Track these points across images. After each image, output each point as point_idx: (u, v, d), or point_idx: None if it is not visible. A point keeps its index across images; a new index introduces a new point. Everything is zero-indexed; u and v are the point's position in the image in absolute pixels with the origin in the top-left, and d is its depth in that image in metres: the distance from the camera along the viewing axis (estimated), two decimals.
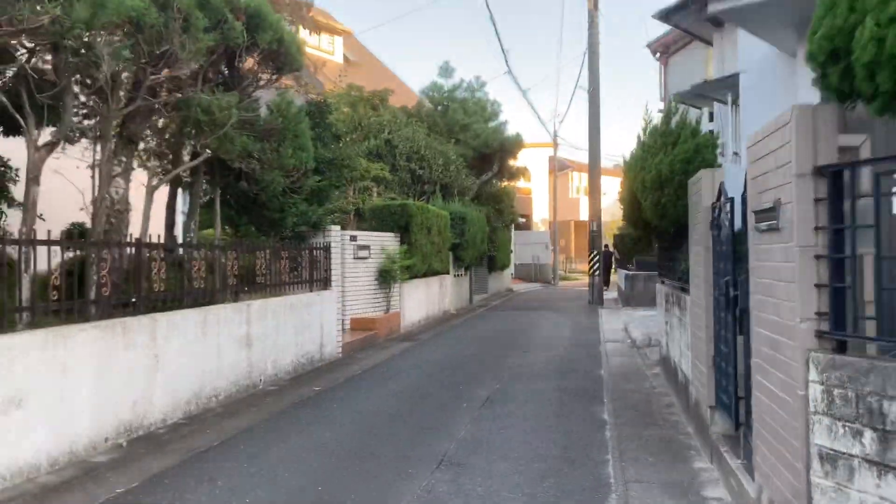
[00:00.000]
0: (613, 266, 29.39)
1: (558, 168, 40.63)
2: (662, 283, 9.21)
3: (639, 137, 7.50)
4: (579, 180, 49.90)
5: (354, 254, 12.97)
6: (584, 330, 14.65)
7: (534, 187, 43.59)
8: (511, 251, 30.14)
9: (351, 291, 12.90)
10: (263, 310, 8.54)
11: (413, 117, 21.96)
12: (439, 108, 24.57)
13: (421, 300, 15.96)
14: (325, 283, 10.71)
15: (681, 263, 6.50)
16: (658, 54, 20.81)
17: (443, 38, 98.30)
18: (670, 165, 6.19)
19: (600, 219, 21.99)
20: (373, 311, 13.56)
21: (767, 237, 3.40)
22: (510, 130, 25.88)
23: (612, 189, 36.53)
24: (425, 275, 16.13)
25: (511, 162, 26.26)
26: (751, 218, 3.73)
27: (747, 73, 7.84)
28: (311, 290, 10.21)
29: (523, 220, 39.18)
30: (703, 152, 6.16)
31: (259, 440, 6.12)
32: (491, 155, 24.60)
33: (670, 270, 7.82)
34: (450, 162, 20.79)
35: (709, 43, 10.41)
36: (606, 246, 26.18)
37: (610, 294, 23.92)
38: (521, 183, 40.32)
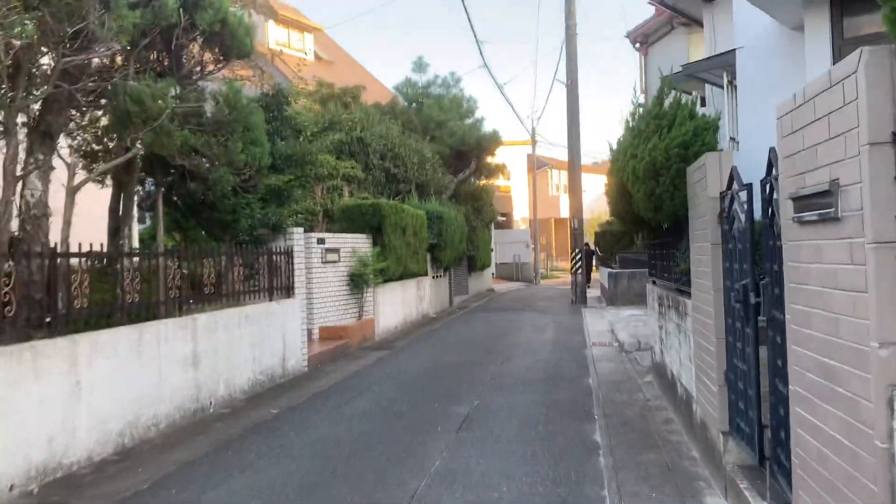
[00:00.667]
0: (595, 263, 28.74)
1: (537, 166, 39.95)
2: (654, 283, 8.45)
3: (627, 123, 6.73)
4: (559, 178, 49.29)
5: (322, 258, 12.09)
6: (569, 331, 13.88)
7: (513, 185, 42.90)
8: (491, 250, 29.36)
9: (319, 298, 12.02)
10: (212, 323, 7.63)
11: (387, 114, 21.10)
12: (414, 105, 23.71)
13: (397, 305, 15.10)
14: (288, 291, 9.82)
15: (678, 262, 5.72)
16: (638, 44, 20.15)
17: (417, 32, 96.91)
18: (665, 151, 5.40)
19: (582, 215, 21.28)
20: (344, 318, 12.68)
21: (813, 231, 2.61)
22: (487, 127, 25.11)
23: (591, 187, 35.89)
24: (401, 277, 15.28)
25: (489, 159, 25.47)
26: (784, 207, 2.94)
27: (745, 50, 7.09)
28: (270, 300, 9.32)
29: (503, 218, 38.45)
30: (702, 135, 5.38)
31: (196, 480, 5.23)
32: (468, 152, 23.79)
33: (664, 270, 7.05)
34: (425, 160, 19.95)
35: (698, 22, 9.68)
36: (587, 244, 25.51)
37: (593, 292, 23.23)
38: (500, 181, 39.61)
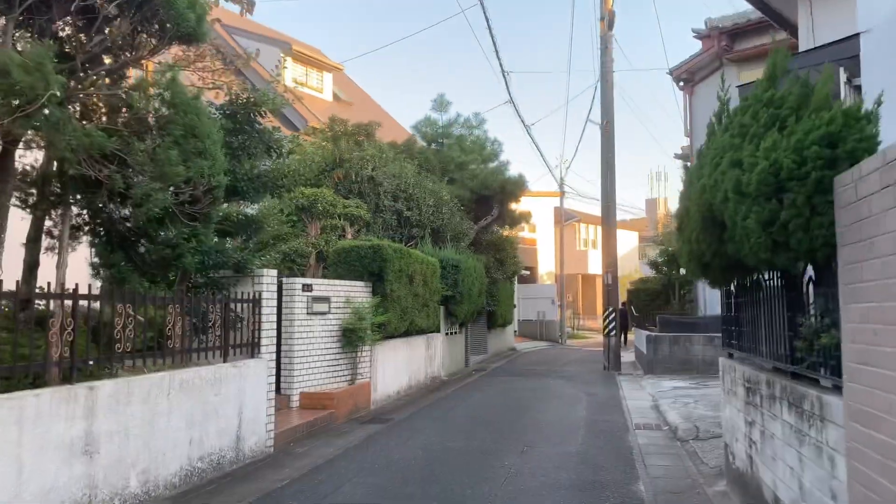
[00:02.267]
0: (630, 325, 26.32)
1: (565, 218, 37.87)
2: (730, 355, 6.21)
3: (711, 126, 4.65)
4: (587, 232, 47.27)
5: (309, 308, 10.03)
6: (604, 407, 11.54)
7: (539, 238, 40.87)
8: (514, 306, 27.10)
9: (302, 357, 9.91)
10: (122, 394, 5.54)
11: (402, 154, 19.33)
12: (433, 145, 21.97)
13: (400, 366, 12.91)
14: (252, 349, 7.74)
15: (817, 331, 3.52)
16: (682, 83, 18.27)
17: (439, 71, 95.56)
18: (796, 152, 3.30)
19: (616, 270, 19.04)
20: (333, 381, 10.52)
21: None
22: (513, 171, 23.27)
23: (621, 243, 33.72)
24: (407, 333, 13.14)
25: (513, 206, 23.46)
26: None
27: (872, 34, 5.01)
28: (225, 360, 7.23)
29: (527, 272, 36.25)
30: (855, 127, 3.29)
31: None
32: (490, 197, 21.83)
33: (761, 340, 4.83)
34: (442, 203, 18.02)
35: (787, 25, 7.68)
36: (623, 303, 23.20)
37: (627, 356, 20.77)
38: (525, 233, 37.61)
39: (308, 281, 10.11)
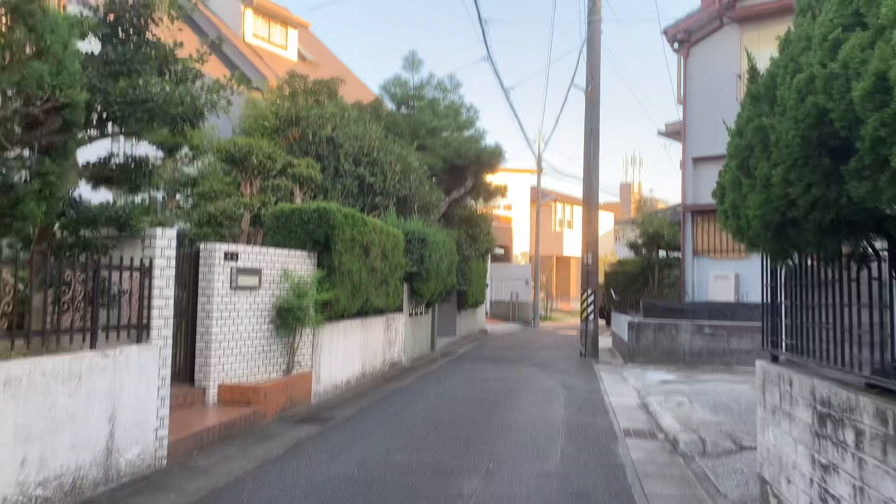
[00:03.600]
0: (608, 309, 24.86)
1: (542, 197, 36.17)
2: (775, 359, 4.54)
3: (782, 41, 2.89)
4: (563, 213, 45.79)
5: (233, 281, 8.19)
6: (586, 405, 9.90)
7: (514, 217, 39.22)
8: (486, 286, 25.41)
9: (222, 342, 8.09)
10: None
11: (368, 115, 17.38)
12: (402, 108, 20.02)
13: (351, 351, 11.14)
14: (139, 333, 5.90)
15: None
16: (677, 44, 16.52)
17: (412, 29, 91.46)
18: None
19: (597, 249, 17.40)
20: (264, 371, 8.72)
21: None
22: (489, 141, 21.45)
23: (599, 226, 32.16)
24: (362, 313, 11.36)
25: (488, 178, 21.69)
26: None
27: None
28: (92, 347, 5.39)
29: (501, 251, 34.62)
30: None
31: None
32: (464, 168, 19.99)
33: (818, 339, 3.14)
34: (410, 170, 16.17)
35: None
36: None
37: (604, 342, 19.23)
38: (500, 210, 35.87)
39: (232, 248, 8.25)
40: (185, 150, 6.90)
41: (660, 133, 22.78)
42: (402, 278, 13.50)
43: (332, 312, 9.80)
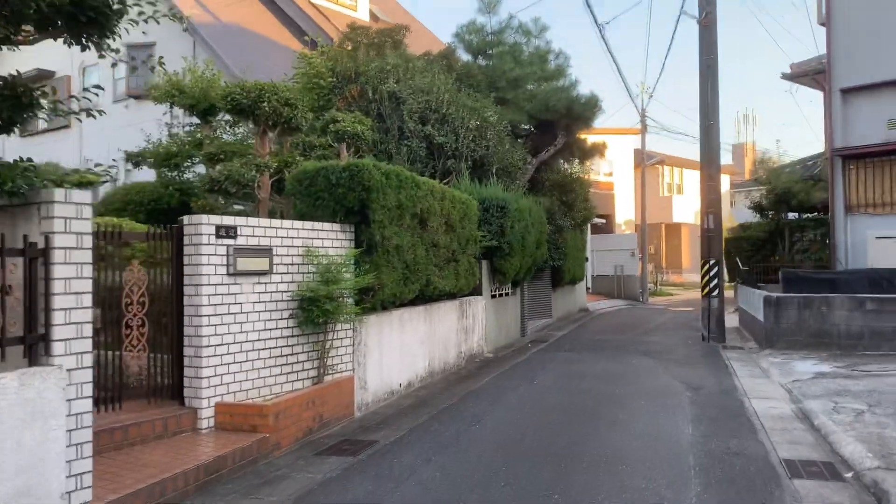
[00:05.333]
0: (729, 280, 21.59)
1: (647, 159, 32.59)
2: None
3: None
4: (671, 176, 41.67)
5: (230, 265, 6.14)
6: (721, 416, 7.24)
7: (616, 182, 35.76)
8: (586, 259, 22.61)
9: (220, 346, 6.07)
10: None
11: (438, 66, 15.02)
12: (479, 58, 17.49)
13: (411, 347, 8.94)
14: (31, 350, 3.89)
15: None
16: None
17: None
18: None
19: (720, 209, 14.32)
20: (284, 382, 6.66)
21: None
22: (582, 90, 18.55)
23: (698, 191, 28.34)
24: (423, 299, 9.16)
25: (583, 135, 18.83)
26: None
27: None
28: None
29: (602, 220, 31.36)
30: None
31: None
32: (553, 123, 17.21)
33: None
34: (487, 125, 13.71)
35: None
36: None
37: (729, 321, 16.07)
38: (600, 176, 32.64)
39: (228, 221, 6.17)
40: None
41: (783, 76, 19.15)
42: (477, 254, 11.18)
43: (376, 301, 7.62)
